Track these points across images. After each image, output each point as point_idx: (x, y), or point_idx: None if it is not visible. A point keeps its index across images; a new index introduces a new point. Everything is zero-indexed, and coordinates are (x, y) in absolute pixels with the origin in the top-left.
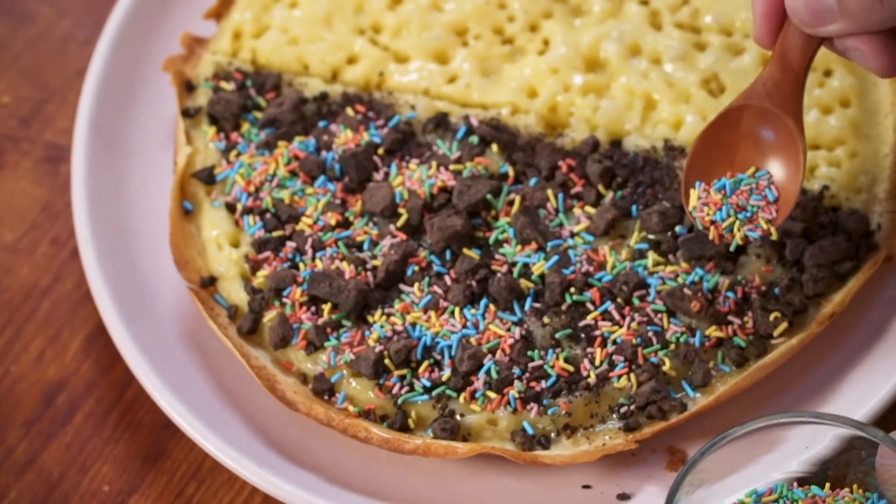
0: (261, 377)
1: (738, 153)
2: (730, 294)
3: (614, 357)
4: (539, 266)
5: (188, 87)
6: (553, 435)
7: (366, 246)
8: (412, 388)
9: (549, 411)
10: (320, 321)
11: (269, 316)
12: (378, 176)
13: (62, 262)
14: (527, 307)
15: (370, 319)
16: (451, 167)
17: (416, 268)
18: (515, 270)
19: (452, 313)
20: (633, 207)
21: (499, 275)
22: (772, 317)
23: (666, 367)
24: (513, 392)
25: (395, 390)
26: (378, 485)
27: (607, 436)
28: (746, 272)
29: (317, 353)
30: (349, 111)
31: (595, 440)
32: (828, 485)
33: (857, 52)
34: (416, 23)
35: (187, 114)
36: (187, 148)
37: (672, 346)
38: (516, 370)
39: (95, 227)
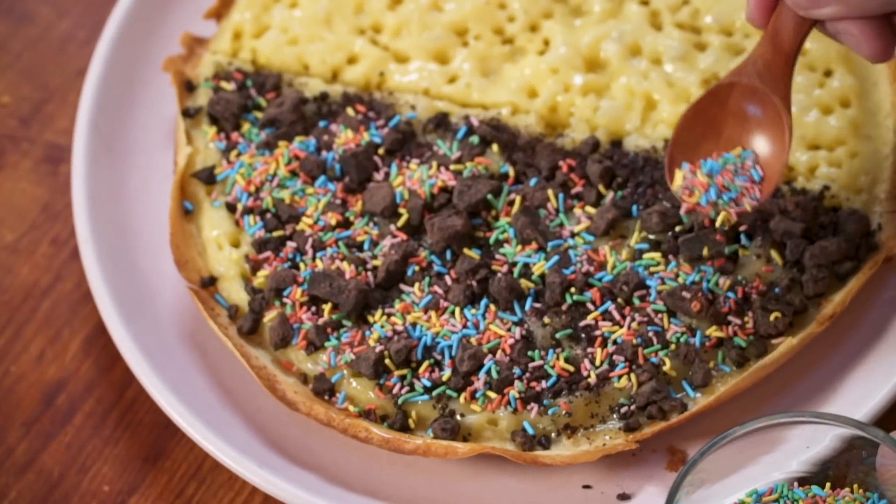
0: (261, 377)
1: (725, 130)
2: (730, 294)
3: (615, 357)
4: (539, 266)
5: (188, 87)
6: (553, 435)
7: (366, 246)
8: (412, 388)
9: (550, 411)
10: (321, 321)
11: (270, 316)
12: (378, 176)
13: (62, 262)
14: (527, 307)
15: (370, 319)
16: (452, 167)
17: (417, 268)
18: (516, 270)
19: (453, 313)
20: (634, 207)
21: (499, 275)
22: (772, 317)
23: (666, 367)
24: (513, 392)
25: (395, 390)
26: (378, 485)
27: (608, 436)
28: (747, 272)
29: (317, 353)
30: (349, 111)
31: (595, 440)
32: (828, 485)
33: (850, 37)
34: (417, 23)
35: (187, 114)
36: (187, 148)
37: (672, 347)
38: (517, 370)
39: (95, 227)
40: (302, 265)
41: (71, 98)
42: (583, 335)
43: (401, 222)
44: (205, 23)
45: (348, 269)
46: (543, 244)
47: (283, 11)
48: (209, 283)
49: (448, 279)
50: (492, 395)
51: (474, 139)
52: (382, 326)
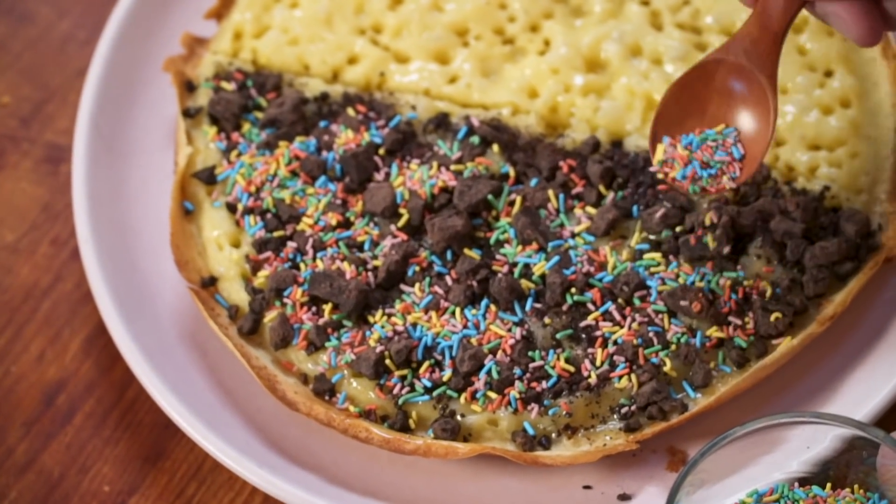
0: (261, 377)
1: (710, 107)
2: (731, 294)
3: (615, 357)
4: (540, 266)
5: (189, 88)
6: (554, 435)
7: (366, 246)
8: (413, 389)
9: (550, 412)
10: (321, 321)
11: (270, 316)
12: (379, 176)
13: (62, 263)
14: (528, 307)
15: (371, 320)
16: (452, 167)
17: (417, 268)
18: (516, 271)
19: (453, 313)
20: (634, 208)
21: (500, 275)
22: (773, 317)
23: (667, 368)
24: (513, 392)
25: (395, 390)
26: (378, 485)
27: (608, 436)
28: (747, 273)
29: (317, 354)
30: (350, 111)
31: (596, 440)
32: (829, 485)
33: (838, 18)
34: (417, 23)
35: (188, 114)
36: (188, 148)
37: (673, 347)
38: (517, 370)
39: (96, 227)
40: (302, 265)
41: (71, 98)
42: (583, 335)
43: (401, 222)
44: (205, 23)
45: (349, 270)
46: (544, 244)
47: (283, 11)
48: (209, 284)
49: (448, 279)
50: (492, 395)
51: (475, 139)
52: (383, 327)
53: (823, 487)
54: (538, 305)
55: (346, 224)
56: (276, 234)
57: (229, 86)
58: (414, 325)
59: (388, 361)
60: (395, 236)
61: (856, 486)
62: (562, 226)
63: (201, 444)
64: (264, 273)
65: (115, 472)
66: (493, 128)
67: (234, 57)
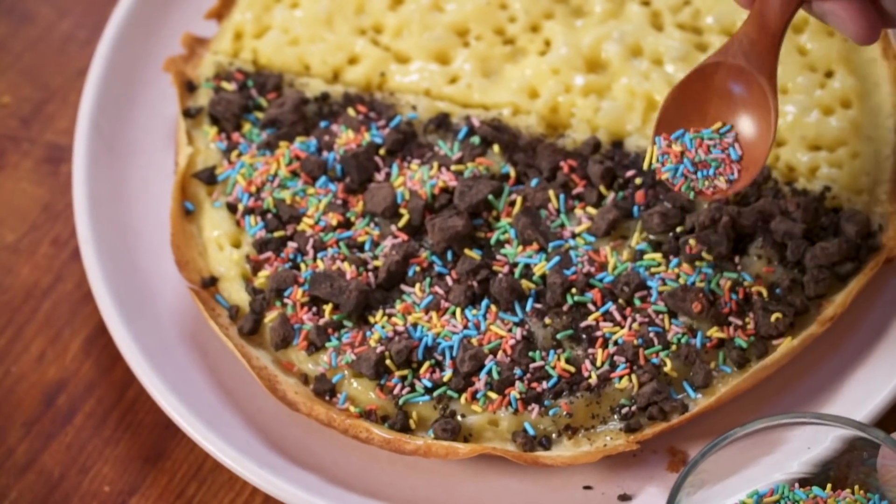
0: (262, 378)
1: (710, 110)
2: (731, 295)
3: (615, 358)
4: (540, 267)
5: (189, 88)
6: (554, 436)
7: (367, 246)
8: (413, 389)
9: (551, 412)
10: (321, 322)
11: (271, 316)
12: (379, 176)
13: (63, 263)
14: (528, 308)
15: (371, 320)
16: (453, 168)
17: (418, 268)
18: (517, 271)
19: (454, 314)
20: (635, 208)
21: (500, 275)
22: (773, 318)
23: (667, 368)
24: (514, 393)
25: (396, 391)
26: (379, 485)
27: (608, 437)
28: (748, 273)
29: (318, 354)
30: (350, 111)
31: (596, 441)
32: (829, 486)
33: (835, 17)
34: (418, 23)
35: (188, 114)
36: (188, 148)
37: (673, 347)
38: (517, 371)
39: (96, 227)
40: (303, 265)
41: (72, 98)
42: (584, 336)
43: (402, 223)
44: (206, 23)
45: (349, 270)
46: (544, 245)
47: (284, 12)
48: (210, 284)
49: (449, 280)
50: (493, 395)
51: (475, 140)
52: (383, 327)
53: (824, 488)
54: (539, 306)
55: (346, 224)
56: (277, 234)
57: (230, 86)
58: (414, 325)
59: (388, 362)
60: (395, 236)
61: (856, 487)
62: (562, 226)
63: (202, 444)
64: (265, 273)
65: (116, 472)
66: (493, 128)
67: (234, 57)
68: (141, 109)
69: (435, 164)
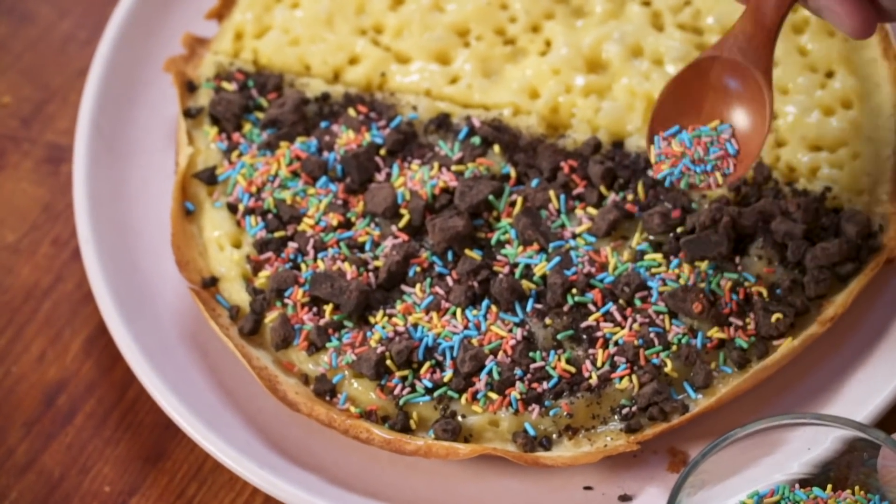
0: (262, 378)
1: (706, 104)
2: (732, 295)
3: (616, 358)
4: (541, 267)
5: (190, 88)
6: (554, 436)
7: (367, 247)
8: (414, 389)
9: (551, 412)
10: (322, 322)
11: (271, 317)
12: (380, 177)
13: (63, 263)
14: (528, 308)
15: (372, 320)
16: (453, 168)
17: (418, 269)
18: (517, 271)
19: (454, 314)
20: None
21: (500, 276)
22: (773, 318)
23: (668, 369)
24: (514, 393)
25: (396, 391)
26: (379, 486)
27: (609, 437)
28: (748, 273)
29: (318, 354)
30: (351, 112)
31: (596, 441)
32: (829, 486)
33: (831, 12)
34: (418, 23)
35: (189, 114)
36: (189, 148)
37: (674, 348)
38: (518, 371)
39: (96, 227)
40: (303, 266)
41: (72, 98)
42: (584, 336)
43: (402, 223)
44: (206, 23)
45: (350, 270)
46: (545, 245)
47: (284, 12)
48: (210, 284)
49: (449, 280)
50: (493, 396)
51: (476, 140)
52: (384, 327)
53: (824, 489)
54: (539, 306)
55: (347, 224)
56: (277, 234)
57: (230, 86)
58: (415, 325)
59: (388, 362)
60: (396, 237)
61: (856, 488)
62: (563, 226)
63: (202, 444)
64: (265, 273)
65: (116, 472)
66: (494, 128)
67: (235, 57)
68: (141, 109)
69: (435, 165)
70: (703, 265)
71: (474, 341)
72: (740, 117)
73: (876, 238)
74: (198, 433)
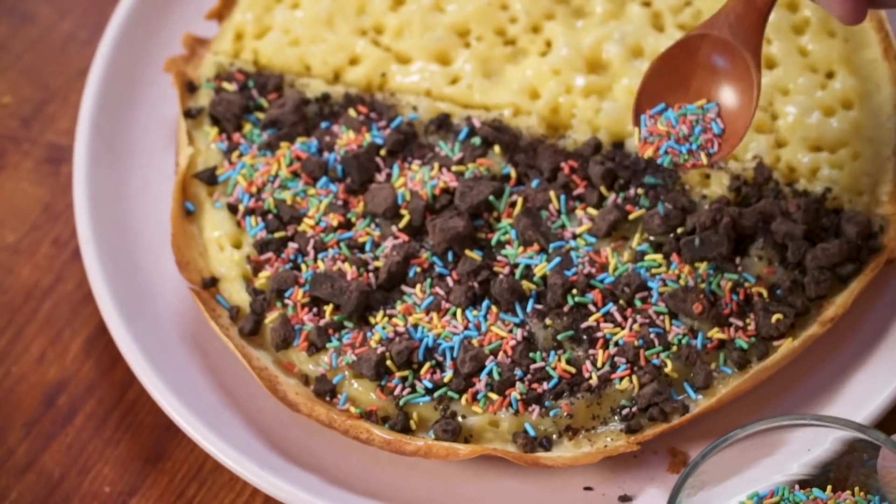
0: (262, 378)
1: (693, 82)
2: (732, 296)
3: (616, 359)
4: (541, 267)
5: (190, 88)
6: (555, 436)
7: (368, 247)
8: (414, 390)
9: (551, 413)
10: (322, 322)
11: (271, 317)
12: (380, 177)
13: (63, 263)
14: (529, 309)
15: (372, 321)
16: (454, 168)
17: (418, 269)
18: (517, 272)
19: (454, 315)
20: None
21: (501, 276)
22: (774, 319)
23: (668, 369)
24: (514, 393)
25: (396, 392)
26: (379, 486)
27: (609, 437)
28: (748, 274)
29: (318, 355)
30: (351, 112)
31: (597, 442)
32: (829, 487)
33: None
34: (418, 24)
35: (189, 114)
36: (189, 149)
37: (674, 348)
38: (518, 372)
39: (97, 227)
40: (303, 266)
41: (72, 98)
42: (584, 337)
43: (402, 223)
44: (206, 23)
45: (350, 271)
46: (545, 246)
47: (284, 12)
48: (210, 284)
49: (450, 280)
50: (493, 396)
51: (476, 140)
52: (384, 328)
53: (824, 490)
54: (539, 306)
55: (347, 225)
56: (278, 234)
57: (230, 86)
58: (415, 326)
59: (389, 362)
60: (396, 237)
61: (856, 489)
62: (563, 227)
63: (202, 444)
64: (265, 274)
65: (116, 472)
66: (494, 129)
67: (235, 57)
68: (142, 110)
69: (436, 165)
70: (704, 266)
71: (474, 342)
72: (727, 96)
73: (876, 239)
74: (198, 433)
